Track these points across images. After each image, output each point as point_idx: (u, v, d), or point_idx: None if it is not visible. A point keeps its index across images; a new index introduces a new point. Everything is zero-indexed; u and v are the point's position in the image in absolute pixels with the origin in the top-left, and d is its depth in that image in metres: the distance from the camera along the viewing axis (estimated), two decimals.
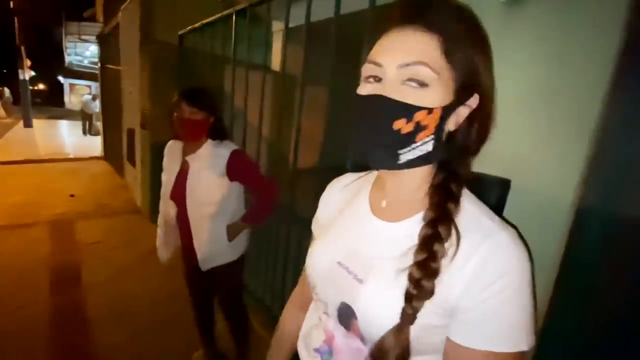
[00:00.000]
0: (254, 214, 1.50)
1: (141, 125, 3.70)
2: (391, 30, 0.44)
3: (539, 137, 0.69)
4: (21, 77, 9.81)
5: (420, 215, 0.49)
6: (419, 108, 0.42)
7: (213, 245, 1.45)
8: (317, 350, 0.57)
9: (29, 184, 4.72)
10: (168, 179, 1.48)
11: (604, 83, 0.61)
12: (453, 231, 0.45)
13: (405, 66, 0.42)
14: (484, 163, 0.76)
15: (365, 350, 0.49)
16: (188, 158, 1.41)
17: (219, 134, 1.44)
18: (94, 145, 8.16)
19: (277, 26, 3.60)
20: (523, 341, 0.43)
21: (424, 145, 0.44)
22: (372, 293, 0.47)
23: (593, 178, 0.65)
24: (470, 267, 0.43)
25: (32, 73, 11.88)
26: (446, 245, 0.44)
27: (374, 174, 0.61)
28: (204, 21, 2.51)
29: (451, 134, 0.47)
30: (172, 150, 1.52)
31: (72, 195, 4.35)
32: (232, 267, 1.52)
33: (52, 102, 24.35)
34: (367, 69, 0.46)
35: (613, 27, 0.59)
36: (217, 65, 2.43)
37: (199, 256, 1.45)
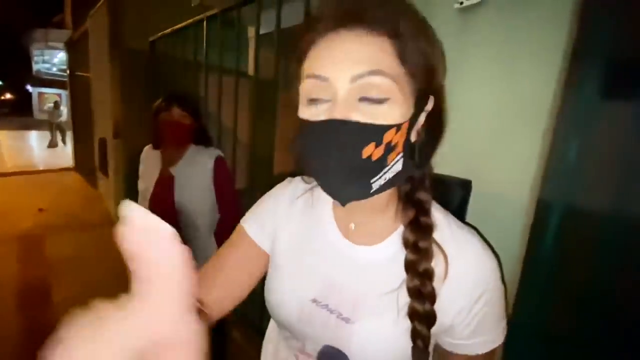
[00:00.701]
0: (225, 230, 1.48)
1: (114, 135, 3.59)
2: (326, 36, 0.36)
3: (496, 137, 0.71)
4: None
5: (397, 233, 0.45)
6: (388, 127, 0.35)
7: (206, 259, 1.41)
8: None
9: None
10: (146, 187, 1.44)
11: (554, 82, 0.64)
12: (435, 247, 0.42)
13: (358, 78, 0.34)
14: (445, 164, 0.78)
15: None
16: (172, 169, 1.37)
17: (204, 139, 1.42)
18: (64, 156, 7.84)
19: (252, 32, 3.58)
20: (502, 336, 0.46)
21: (395, 165, 0.38)
22: (367, 334, 0.42)
23: (549, 175, 0.67)
24: (453, 281, 0.42)
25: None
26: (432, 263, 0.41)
27: None
28: (176, 27, 2.47)
29: (412, 144, 0.41)
30: (149, 156, 1.48)
31: (41, 210, 4.16)
32: None
33: (20, 112, 23.28)
34: (309, 87, 0.37)
35: (561, 26, 0.62)
36: (189, 72, 2.38)
37: None
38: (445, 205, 0.75)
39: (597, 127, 0.65)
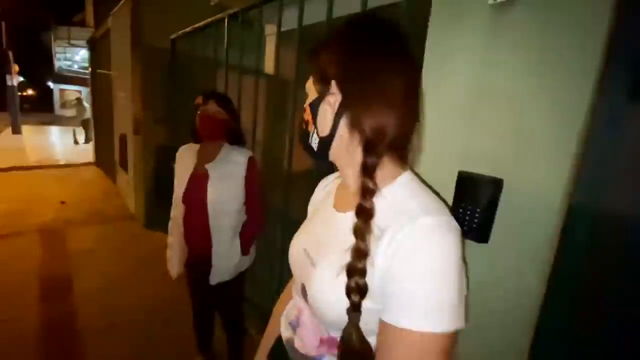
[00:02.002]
0: (251, 232, 1.52)
1: (134, 131, 3.67)
2: None
3: (529, 136, 0.70)
4: (9, 82, 9.66)
5: None
6: (302, 112, 0.56)
7: (230, 259, 1.45)
8: (290, 323, 0.64)
9: (17, 192, 4.65)
10: (180, 183, 1.47)
11: (590, 82, 0.62)
12: (377, 222, 0.48)
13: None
14: (477, 162, 0.77)
15: (322, 325, 0.55)
16: (208, 166, 1.41)
17: (237, 138, 1.47)
18: (86, 151, 8.06)
19: (270, 30, 3.61)
20: (445, 322, 0.43)
21: (314, 134, 0.55)
22: (319, 278, 0.53)
23: (581, 177, 0.66)
24: (391, 249, 0.45)
25: (21, 78, 11.71)
26: (375, 233, 0.47)
27: None
28: (197, 25, 2.51)
29: (336, 124, 0.52)
30: (185, 154, 1.52)
31: (62, 202, 4.29)
32: (239, 278, 1.53)
33: (41, 108, 24.00)
34: None
35: (597, 26, 0.61)
36: (209, 69, 2.42)
37: (213, 269, 1.44)
38: (475, 202, 0.75)
39: (630, 129, 0.64)
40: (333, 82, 0.51)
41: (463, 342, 0.81)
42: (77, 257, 2.96)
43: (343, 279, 0.47)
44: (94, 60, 6.54)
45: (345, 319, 0.47)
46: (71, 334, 2.03)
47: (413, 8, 1.06)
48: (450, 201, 0.81)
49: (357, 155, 0.52)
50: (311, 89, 0.55)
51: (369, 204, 0.48)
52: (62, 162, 7.08)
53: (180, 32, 2.82)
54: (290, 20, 1.70)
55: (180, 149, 1.57)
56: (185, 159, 1.50)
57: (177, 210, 1.50)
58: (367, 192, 0.48)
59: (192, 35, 2.67)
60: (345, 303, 0.47)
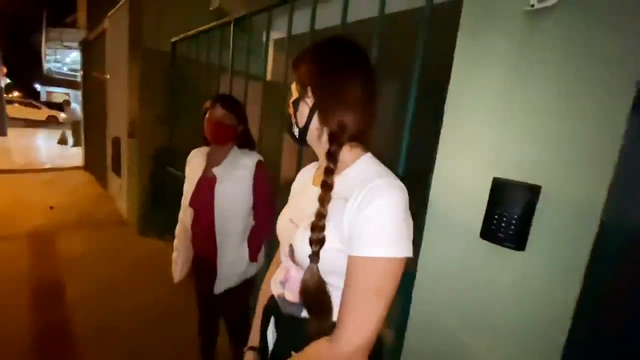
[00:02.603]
0: (259, 238, 1.48)
1: (129, 134, 3.59)
2: None
3: (568, 143, 0.69)
4: None
5: None
6: (288, 106, 0.72)
7: (236, 266, 1.41)
8: (280, 281, 0.76)
9: (4, 196, 4.48)
10: (189, 186, 1.44)
11: (631, 89, 0.62)
12: (342, 191, 0.63)
13: None
14: (512, 169, 0.76)
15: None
16: (215, 169, 1.38)
17: (247, 142, 1.45)
18: (74, 154, 7.87)
19: (272, 35, 3.59)
20: (397, 250, 0.58)
21: (295, 125, 0.70)
22: (299, 234, 0.67)
23: (618, 185, 0.65)
24: (356, 203, 0.60)
25: (7, 80, 11.43)
26: (339, 199, 0.62)
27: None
28: (200, 28, 2.48)
29: (318, 122, 0.67)
30: (195, 158, 1.50)
31: (51, 207, 4.15)
32: (246, 285, 1.48)
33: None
34: None
35: (639, 32, 0.61)
36: (212, 74, 2.39)
37: (218, 276, 1.40)
38: (511, 209, 0.74)
39: None
40: (308, 88, 0.66)
41: (498, 347, 0.79)
42: (68, 263, 2.85)
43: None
44: (87, 62, 6.43)
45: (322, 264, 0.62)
46: (62, 341, 1.94)
47: (435, 14, 1.05)
48: (482, 207, 0.80)
49: (326, 143, 0.67)
50: (294, 90, 0.69)
51: (330, 180, 0.63)
52: (49, 166, 6.88)
53: (182, 35, 2.78)
54: (292, 26, 1.69)
55: (192, 152, 1.54)
56: (195, 162, 1.47)
57: (185, 213, 1.46)
58: (329, 171, 0.64)
59: (194, 39, 2.64)
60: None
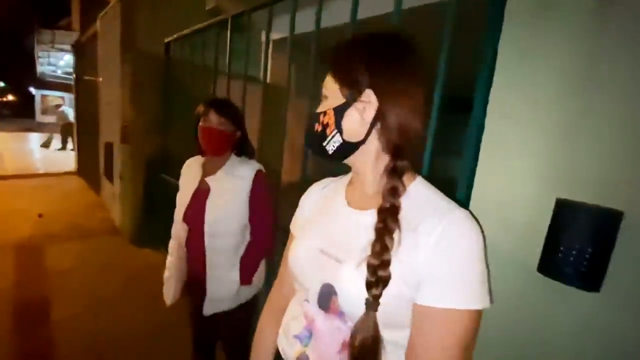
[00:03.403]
0: (255, 256, 1.33)
1: (121, 139, 3.43)
2: None
3: None
4: None
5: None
6: (319, 113, 0.59)
7: (227, 287, 1.26)
8: (296, 336, 0.62)
9: None
10: (183, 199, 1.30)
11: None
12: (404, 221, 0.52)
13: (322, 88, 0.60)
14: (581, 189, 0.61)
15: (344, 327, 0.55)
16: (208, 179, 1.25)
17: (245, 150, 1.32)
18: (66, 160, 7.68)
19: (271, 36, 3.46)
20: (477, 300, 0.49)
21: (334, 137, 0.57)
22: (348, 273, 0.55)
23: None
24: (432, 240, 0.50)
25: (1, 84, 11.20)
26: (405, 231, 0.52)
27: (349, 175, 0.68)
28: (195, 27, 2.33)
29: (380, 131, 0.56)
30: (191, 168, 1.36)
31: (40, 216, 3.97)
32: (243, 309, 1.33)
33: (22, 114, 23.13)
34: None
35: None
36: (208, 75, 2.24)
37: (207, 298, 1.26)
38: (585, 240, 0.59)
39: None
40: (368, 91, 0.54)
41: None
42: (57, 278, 2.68)
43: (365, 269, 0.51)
44: (79, 65, 6.27)
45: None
46: None
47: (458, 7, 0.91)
48: (538, 236, 0.65)
49: (382, 159, 0.57)
50: (334, 92, 0.57)
51: (398, 203, 0.53)
52: (41, 172, 6.69)
53: (176, 35, 2.63)
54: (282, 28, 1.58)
55: (187, 161, 1.40)
56: (190, 173, 1.33)
57: (177, 227, 1.31)
58: (396, 192, 0.54)
59: (189, 39, 2.49)
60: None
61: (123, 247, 3.34)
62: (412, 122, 0.54)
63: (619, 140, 0.57)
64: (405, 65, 0.54)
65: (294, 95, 2.13)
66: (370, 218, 0.56)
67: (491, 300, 0.50)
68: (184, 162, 1.43)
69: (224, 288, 1.27)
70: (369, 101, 0.54)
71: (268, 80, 2.05)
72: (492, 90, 0.73)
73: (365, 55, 0.55)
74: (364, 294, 0.51)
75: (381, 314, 0.50)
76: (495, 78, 0.73)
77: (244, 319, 1.38)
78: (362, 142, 0.56)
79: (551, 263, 0.63)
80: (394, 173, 0.55)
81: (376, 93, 0.54)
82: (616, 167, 0.58)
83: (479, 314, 0.49)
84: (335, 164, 0.62)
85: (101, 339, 2.01)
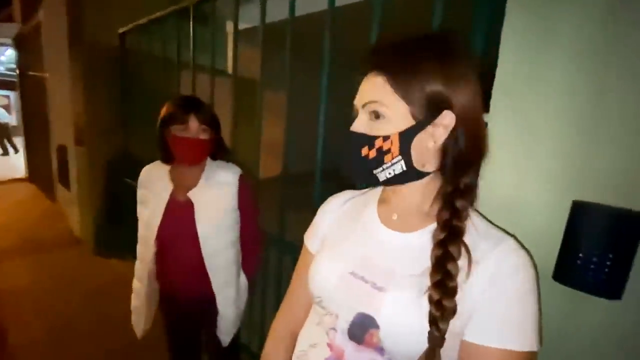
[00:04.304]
0: (253, 264, 1.29)
1: (76, 141, 3.14)
2: (365, 77, 0.52)
3: None
4: None
5: (431, 227, 0.52)
6: (376, 137, 0.50)
7: (239, 303, 1.21)
8: None
9: None
10: (151, 215, 1.12)
11: None
12: (463, 248, 0.47)
13: (365, 105, 0.51)
14: (601, 191, 0.56)
15: None
16: (191, 194, 1.10)
17: (221, 152, 1.18)
18: (15, 165, 7.03)
19: (231, 27, 3.27)
20: (534, 341, 0.45)
21: (395, 164, 0.50)
22: (396, 302, 0.49)
23: None
24: (486, 270, 0.46)
25: None
26: (459, 261, 0.46)
27: (377, 190, 0.63)
28: (152, 16, 2.12)
29: (444, 151, 0.50)
30: (154, 177, 1.17)
31: None
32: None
33: None
34: (354, 107, 0.54)
35: None
36: (169, 68, 2.05)
37: (223, 324, 1.18)
38: (605, 246, 0.54)
39: None
40: (446, 112, 0.48)
41: None
42: (10, 298, 2.41)
43: (425, 302, 0.46)
44: (23, 60, 5.68)
45: (424, 345, 0.45)
46: None
47: None
48: (553, 240, 0.60)
49: (436, 179, 0.53)
50: (396, 110, 0.48)
51: (463, 226, 0.49)
52: None
53: (131, 25, 2.40)
54: (253, 17, 1.47)
55: (144, 169, 1.21)
56: (154, 184, 1.16)
57: (146, 249, 1.14)
58: (462, 214, 0.49)
59: (147, 29, 2.27)
60: (424, 330, 0.45)
61: (86, 259, 3.08)
62: (481, 141, 0.51)
63: None
64: (475, 79, 0.49)
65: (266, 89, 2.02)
66: (417, 239, 0.52)
67: (541, 342, 0.46)
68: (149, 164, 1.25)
69: (238, 304, 1.21)
70: (447, 124, 0.48)
71: (231, 72, 1.91)
72: (496, 83, 0.66)
73: (440, 64, 0.47)
74: (418, 331, 0.46)
75: (419, 350, 0.45)
76: (498, 70, 0.66)
77: (237, 334, 1.29)
78: (429, 172, 0.51)
79: (568, 270, 0.58)
80: (460, 194, 0.50)
81: (455, 113, 0.48)
82: (637, 165, 0.53)
83: (534, 356, 0.45)
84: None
85: None
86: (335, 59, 1.17)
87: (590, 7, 0.56)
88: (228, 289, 1.16)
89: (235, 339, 1.30)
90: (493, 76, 0.67)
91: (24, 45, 5.33)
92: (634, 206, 0.53)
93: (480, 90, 0.50)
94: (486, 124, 0.66)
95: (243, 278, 1.23)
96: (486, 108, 0.66)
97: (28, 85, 5.33)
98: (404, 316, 0.47)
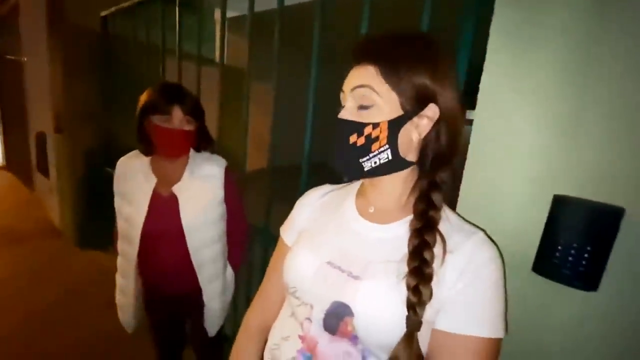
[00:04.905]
0: (240, 257, 1.28)
1: (55, 129, 3.02)
2: (353, 67, 0.53)
3: None
4: None
5: (407, 219, 0.53)
6: (366, 124, 0.50)
7: (225, 296, 1.20)
8: None
9: None
10: (134, 210, 1.06)
11: None
12: (438, 237, 0.49)
13: (354, 89, 0.51)
14: (581, 185, 0.57)
15: (355, 352, 0.50)
16: (175, 189, 1.06)
17: (205, 143, 1.14)
18: None
19: (219, 14, 3.20)
20: (501, 329, 0.47)
21: (382, 153, 0.51)
22: (371, 290, 0.49)
23: None
24: (458, 261, 0.48)
25: None
26: (435, 249, 0.48)
27: (355, 184, 0.64)
28: (136, 0, 2.05)
29: (425, 145, 0.52)
30: (133, 170, 1.10)
31: None
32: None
33: None
34: (341, 96, 0.55)
35: None
36: (153, 55, 1.99)
37: (209, 317, 1.17)
38: (584, 238, 0.55)
39: None
40: (432, 105, 0.50)
41: None
42: None
43: (402, 288, 0.47)
44: (0, 43, 5.43)
45: (399, 333, 0.46)
46: None
47: None
48: (533, 233, 0.61)
49: (414, 173, 0.54)
50: (387, 101, 0.49)
51: (438, 216, 0.50)
52: None
53: (114, 8, 2.31)
54: (240, 6, 1.42)
55: (121, 161, 1.14)
56: (133, 177, 1.09)
57: (130, 246, 1.08)
58: (437, 205, 0.51)
59: (130, 13, 2.19)
60: (401, 315, 0.46)
61: (66, 250, 3.00)
62: (460, 135, 0.52)
63: (620, 133, 0.53)
64: (456, 81, 0.52)
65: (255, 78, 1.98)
66: (393, 231, 0.53)
67: (506, 330, 0.49)
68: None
69: (224, 297, 1.19)
70: (431, 116, 0.50)
71: (218, 60, 1.88)
72: (482, 80, 0.66)
73: (431, 62, 0.49)
74: (393, 318, 0.47)
75: (393, 337, 0.47)
76: (485, 68, 0.66)
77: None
78: (412, 161, 0.52)
79: (548, 262, 0.59)
80: (435, 187, 0.52)
81: (439, 107, 0.50)
82: (617, 161, 0.54)
83: (500, 342, 0.48)
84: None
85: (43, 356, 1.77)
86: (326, 50, 1.15)
87: (577, 8, 0.56)
88: (214, 282, 1.14)
89: (220, 330, 1.29)
90: (480, 75, 0.68)
91: (1, 28, 5.08)
92: (612, 201, 0.54)
93: (459, 93, 0.52)
94: (471, 122, 0.67)
95: (230, 270, 1.22)
96: (472, 105, 0.67)
97: (5, 69, 5.10)
98: (379, 303, 0.48)
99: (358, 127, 0.50)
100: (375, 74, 0.49)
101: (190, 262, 1.08)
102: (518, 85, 0.62)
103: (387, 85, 0.48)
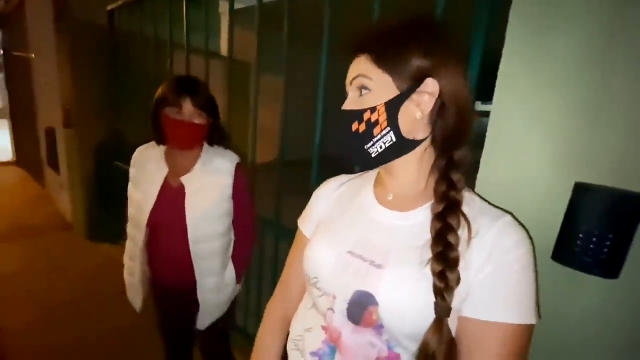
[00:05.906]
0: (244, 257, 1.25)
1: (64, 124, 3.05)
2: (354, 60, 0.53)
3: None
4: None
5: (428, 205, 0.52)
6: (364, 110, 0.50)
7: (221, 293, 1.17)
8: (315, 353, 0.55)
9: None
10: (143, 197, 1.09)
11: None
12: (462, 219, 0.48)
13: (352, 80, 0.52)
14: (603, 173, 0.56)
15: (379, 343, 0.49)
16: (184, 179, 1.07)
17: (220, 138, 1.14)
18: (2, 148, 6.86)
19: (224, 7, 3.19)
20: (533, 315, 0.46)
21: (385, 136, 0.50)
22: (395, 278, 0.49)
23: None
24: (485, 245, 0.46)
25: None
26: (459, 232, 0.47)
27: (372, 173, 0.64)
28: None
29: (435, 121, 0.51)
30: (148, 158, 1.13)
31: None
32: (229, 310, 1.25)
33: None
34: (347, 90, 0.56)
35: None
36: (161, 49, 1.99)
37: (202, 311, 1.15)
38: (606, 226, 0.55)
39: None
40: (429, 80, 0.48)
41: None
42: (1, 283, 2.38)
43: (427, 274, 0.46)
44: (6, 39, 5.47)
45: (426, 320, 0.46)
46: None
47: None
48: (554, 222, 0.60)
49: (429, 155, 0.53)
50: (381, 83, 0.49)
51: (460, 197, 0.49)
52: None
53: (121, 2, 2.31)
54: None
55: (139, 150, 1.17)
56: (148, 166, 1.12)
57: (138, 231, 1.11)
58: (457, 186, 0.50)
59: (137, 7, 2.19)
60: (431, 302, 0.45)
61: (77, 244, 3.05)
62: (470, 111, 0.50)
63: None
64: (458, 49, 0.51)
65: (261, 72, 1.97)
66: (415, 218, 0.52)
67: (539, 316, 0.47)
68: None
69: (221, 294, 1.17)
70: (431, 92, 0.48)
71: (225, 53, 1.86)
72: (501, 67, 0.65)
73: (421, 39, 0.49)
74: (419, 305, 0.46)
75: (420, 326, 0.46)
76: (503, 54, 0.65)
77: (228, 320, 1.29)
78: (422, 140, 0.51)
79: (568, 250, 0.58)
80: (454, 167, 0.51)
81: (439, 81, 0.48)
82: (637, 148, 0.53)
83: (533, 329, 0.46)
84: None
85: (54, 352, 1.80)
86: (335, 41, 1.14)
87: (591, 20, 0.55)
88: (209, 278, 1.13)
89: (229, 325, 1.30)
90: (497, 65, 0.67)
91: (9, 24, 5.12)
92: (635, 188, 0.53)
93: (465, 71, 0.51)
94: (488, 114, 0.66)
95: (231, 270, 1.19)
96: (490, 96, 0.66)
97: (14, 66, 5.15)
98: (404, 291, 0.47)
99: (357, 114, 0.50)
100: (368, 61, 0.50)
101: (189, 254, 1.08)
102: (538, 70, 0.61)
103: (380, 70, 0.49)
